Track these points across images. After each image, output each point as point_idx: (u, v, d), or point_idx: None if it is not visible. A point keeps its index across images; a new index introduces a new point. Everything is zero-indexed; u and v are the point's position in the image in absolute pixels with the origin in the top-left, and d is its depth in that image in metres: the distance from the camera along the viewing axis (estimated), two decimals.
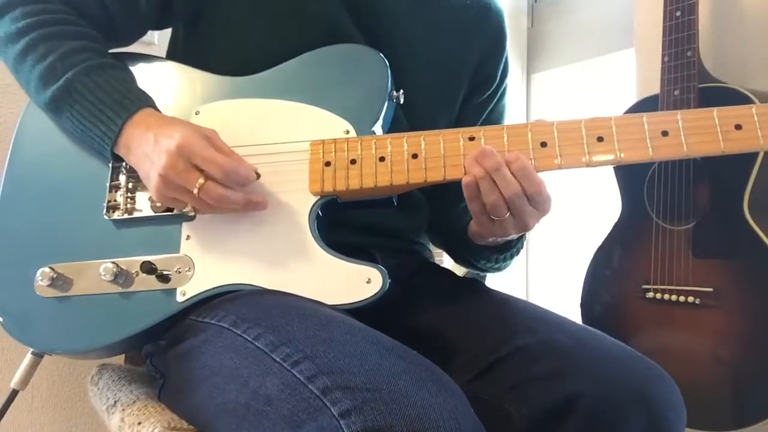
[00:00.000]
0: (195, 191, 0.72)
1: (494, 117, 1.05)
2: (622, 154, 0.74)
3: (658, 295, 1.28)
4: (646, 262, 1.31)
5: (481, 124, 1.02)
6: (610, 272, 1.40)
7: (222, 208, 0.75)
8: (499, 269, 1.00)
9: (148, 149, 0.75)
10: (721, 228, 1.22)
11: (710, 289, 1.21)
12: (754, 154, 1.17)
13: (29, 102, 0.87)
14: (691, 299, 1.23)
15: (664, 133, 0.73)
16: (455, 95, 0.98)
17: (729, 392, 1.19)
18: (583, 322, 1.43)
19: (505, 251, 0.91)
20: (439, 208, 1.00)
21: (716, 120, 0.72)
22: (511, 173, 0.72)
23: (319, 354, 0.60)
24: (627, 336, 1.33)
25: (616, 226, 1.41)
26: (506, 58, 1.04)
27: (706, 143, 0.72)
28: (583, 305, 1.43)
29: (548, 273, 2.06)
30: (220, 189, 0.73)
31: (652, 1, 1.48)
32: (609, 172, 1.42)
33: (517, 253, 0.95)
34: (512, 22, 2.04)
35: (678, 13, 1.26)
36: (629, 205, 1.38)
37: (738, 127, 0.72)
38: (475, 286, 0.94)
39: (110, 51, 0.87)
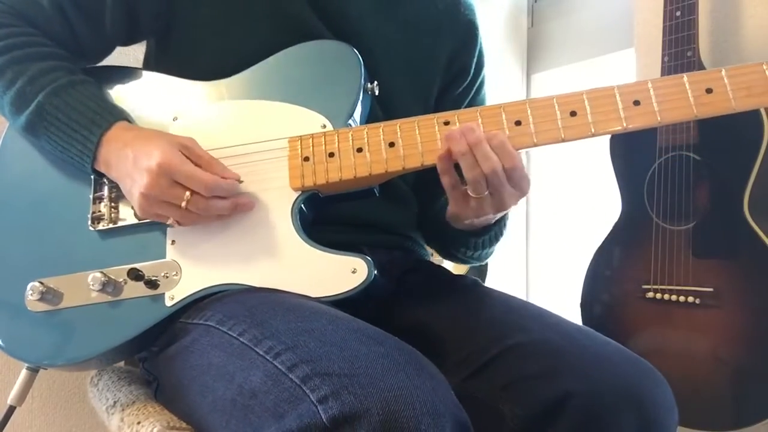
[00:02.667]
0: (183, 204, 0.73)
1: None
2: (596, 127, 0.74)
3: (658, 295, 1.28)
4: (646, 262, 1.31)
5: None
6: (610, 272, 1.40)
7: (209, 216, 0.75)
8: (480, 258, 1.00)
9: (128, 168, 0.75)
10: (721, 228, 1.22)
11: (710, 289, 1.21)
12: (755, 154, 1.17)
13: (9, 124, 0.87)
14: (691, 299, 1.23)
15: (636, 103, 0.74)
16: (429, 88, 0.99)
17: (728, 392, 1.19)
18: (583, 322, 1.42)
19: (483, 235, 0.91)
20: (425, 200, 1.01)
21: (687, 85, 0.73)
22: (491, 148, 0.73)
23: (300, 344, 0.61)
24: (627, 336, 1.33)
25: (616, 226, 1.40)
26: (480, 51, 1.04)
27: (679, 109, 0.73)
28: (583, 305, 1.43)
29: (548, 273, 2.06)
30: (206, 202, 0.74)
31: (652, 1, 1.48)
32: (609, 171, 1.42)
33: (497, 239, 0.95)
34: (512, 22, 2.04)
35: (678, 13, 1.26)
36: (629, 205, 1.38)
37: (709, 90, 0.72)
38: (470, 283, 0.94)
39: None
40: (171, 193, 0.73)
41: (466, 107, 1.03)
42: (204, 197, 0.74)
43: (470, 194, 0.76)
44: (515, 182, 0.75)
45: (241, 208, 0.76)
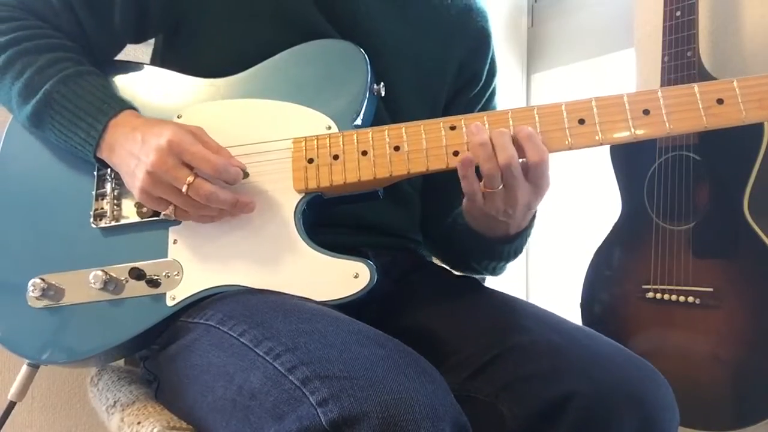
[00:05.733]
0: (184, 189, 0.72)
1: None
2: (604, 136, 0.73)
3: (658, 295, 1.28)
4: (646, 262, 1.31)
5: None
6: (610, 272, 1.40)
7: (209, 208, 0.75)
8: (496, 271, 0.98)
9: (134, 148, 0.75)
10: (721, 228, 1.22)
11: (710, 289, 1.21)
12: (755, 154, 1.17)
13: (13, 117, 0.87)
14: (691, 299, 1.23)
15: (646, 112, 0.73)
16: (438, 93, 0.98)
17: (729, 392, 1.19)
18: (583, 322, 1.42)
19: (507, 243, 0.88)
20: (439, 210, 1.00)
21: (697, 96, 0.72)
22: (518, 141, 0.72)
23: (300, 346, 0.61)
24: (627, 336, 1.33)
25: (616, 226, 1.40)
26: (493, 59, 1.03)
27: (689, 119, 0.72)
28: (583, 305, 1.43)
29: (548, 273, 2.05)
30: (210, 186, 0.73)
31: (652, 1, 1.48)
32: (609, 171, 1.42)
33: (516, 253, 0.93)
34: (512, 22, 2.04)
35: (678, 13, 1.26)
36: (629, 205, 1.38)
37: (720, 101, 0.71)
38: (471, 284, 0.94)
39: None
40: (175, 174, 0.72)
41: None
42: (207, 183, 0.73)
43: (483, 188, 0.75)
44: (532, 179, 0.74)
45: (242, 207, 0.75)
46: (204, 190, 0.72)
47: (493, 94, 1.06)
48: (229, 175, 0.73)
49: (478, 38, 1.01)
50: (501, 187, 0.74)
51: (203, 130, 0.77)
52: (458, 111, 0.99)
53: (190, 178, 0.72)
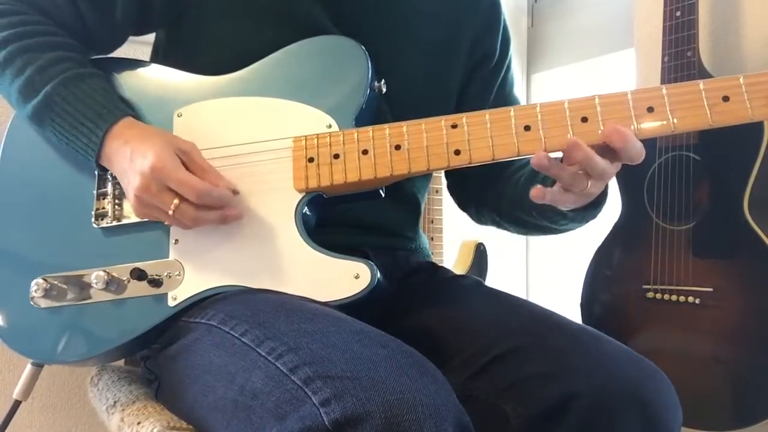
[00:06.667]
0: (170, 212, 0.73)
1: (505, 91, 1.04)
2: None
3: (658, 295, 1.28)
4: (646, 262, 1.31)
5: (493, 101, 1.01)
6: (611, 272, 1.40)
7: (197, 226, 0.75)
8: (579, 226, 0.93)
9: (125, 165, 0.76)
10: (721, 228, 1.22)
11: (710, 289, 1.21)
12: (755, 154, 1.17)
13: (15, 113, 0.87)
14: (691, 299, 1.23)
15: (650, 110, 0.71)
16: (448, 82, 0.97)
17: (729, 392, 1.19)
18: (583, 322, 1.42)
19: (599, 205, 0.85)
20: (493, 176, 0.98)
21: (703, 93, 0.70)
22: (613, 147, 0.70)
23: (302, 346, 0.61)
24: (627, 336, 1.33)
25: (616, 226, 1.40)
26: (505, 28, 1.02)
27: (694, 117, 0.70)
28: (583, 305, 1.43)
29: (548, 273, 2.06)
30: (194, 212, 0.73)
31: (652, 1, 1.48)
32: None
33: (600, 208, 0.87)
34: (512, 22, 2.04)
35: (678, 13, 1.26)
36: (629, 205, 1.38)
37: (725, 98, 0.70)
38: (472, 284, 0.93)
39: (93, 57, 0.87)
40: (160, 199, 0.73)
41: (496, 91, 1.02)
42: (193, 206, 0.73)
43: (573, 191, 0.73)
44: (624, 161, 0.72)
45: (231, 220, 0.76)
46: (189, 215, 0.73)
47: (510, 64, 1.04)
48: (213, 199, 0.73)
49: (488, 13, 0.99)
50: (590, 182, 0.73)
51: (194, 146, 0.77)
52: (476, 89, 0.99)
53: (176, 202, 0.73)
